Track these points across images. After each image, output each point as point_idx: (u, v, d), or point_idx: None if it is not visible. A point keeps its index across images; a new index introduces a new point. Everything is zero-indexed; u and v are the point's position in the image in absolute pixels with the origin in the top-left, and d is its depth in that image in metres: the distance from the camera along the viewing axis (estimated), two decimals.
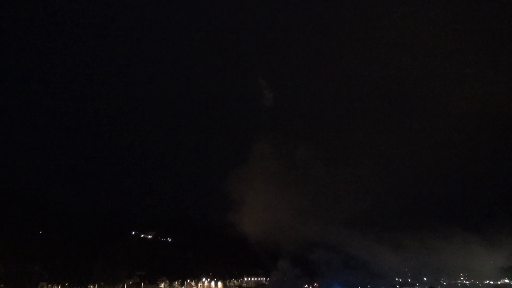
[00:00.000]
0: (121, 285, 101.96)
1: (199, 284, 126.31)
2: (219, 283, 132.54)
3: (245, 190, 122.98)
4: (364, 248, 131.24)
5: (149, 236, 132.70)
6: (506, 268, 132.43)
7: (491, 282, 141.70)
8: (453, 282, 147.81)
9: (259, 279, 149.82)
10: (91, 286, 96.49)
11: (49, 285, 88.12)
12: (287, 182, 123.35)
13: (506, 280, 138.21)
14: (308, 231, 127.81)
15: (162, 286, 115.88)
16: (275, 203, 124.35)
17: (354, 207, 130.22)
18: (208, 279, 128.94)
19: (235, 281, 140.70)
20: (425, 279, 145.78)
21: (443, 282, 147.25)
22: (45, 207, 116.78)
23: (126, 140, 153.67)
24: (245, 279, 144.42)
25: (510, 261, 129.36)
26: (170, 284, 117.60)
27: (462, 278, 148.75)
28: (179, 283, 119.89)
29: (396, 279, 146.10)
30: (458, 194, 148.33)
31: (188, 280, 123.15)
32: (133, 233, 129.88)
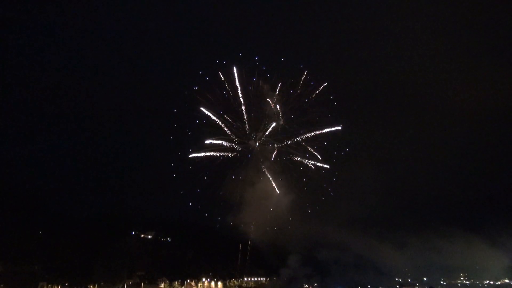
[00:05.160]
0: (121, 285, 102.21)
1: (199, 284, 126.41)
2: (219, 283, 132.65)
3: (246, 189, 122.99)
4: (368, 247, 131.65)
5: (149, 236, 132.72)
6: (507, 268, 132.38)
7: (491, 282, 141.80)
8: (453, 282, 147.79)
9: (259, 279, 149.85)
10: (91, 286, 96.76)
11: (49, 285, 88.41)
12: (288, 182, 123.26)
13: (506, 280, 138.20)
14: (310, 231, 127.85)
15: (162, 286, 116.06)
16: (276, 203, 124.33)
17: (356, 207, 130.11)
18: (208, 279, 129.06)
19: (235, 281, 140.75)
20: (425, 279, 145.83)
21: (443, 282, 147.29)
22: (45, 207, 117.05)
23: (126, 140, 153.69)
24: (245, 279, 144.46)
25: None
26: (170, 284, 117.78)
27: (462, 278, 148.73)
28: (179, 283, 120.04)
29: (396, 279, 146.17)
30: (460, 194, 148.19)
31: (188, 280, 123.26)
32: (133, 233, 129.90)
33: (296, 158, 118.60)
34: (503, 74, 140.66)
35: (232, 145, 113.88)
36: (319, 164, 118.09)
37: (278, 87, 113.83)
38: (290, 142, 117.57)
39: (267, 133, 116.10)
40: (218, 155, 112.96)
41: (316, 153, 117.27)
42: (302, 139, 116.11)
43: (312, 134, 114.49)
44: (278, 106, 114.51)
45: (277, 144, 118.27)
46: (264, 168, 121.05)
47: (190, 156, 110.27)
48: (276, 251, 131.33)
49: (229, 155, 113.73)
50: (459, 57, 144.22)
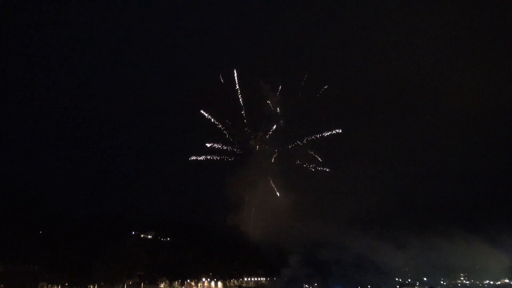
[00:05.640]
0: (121, 285, 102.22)
1: (199, 284, 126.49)
2: (219, 283, 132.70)
3: (246, 190, 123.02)
4: (368, 247, 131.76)
5: (149, 236, 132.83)
6: (507, 268, 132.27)
7: (491, 282, 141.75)
8: (453, 282, 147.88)
9: (259, 279, 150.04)
10: (91, 286, 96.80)
11: (49, 285, 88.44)
12: (288, 183, 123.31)
13: (506, 280, 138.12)
14: (311, 231, 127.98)
15: (162, 286, 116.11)
16: (276, 203, 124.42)
17: (356, 207, 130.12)
18: (208, 279, 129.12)
19: (235, 281, 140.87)
20: (425, 279, 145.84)
21: (443, 282, 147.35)
22: (45, 207, 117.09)
23: (126, 140, 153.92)
24: (245, 279, 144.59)
25: None
26: (170, 284, 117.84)
27: (462, 278, 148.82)
28: (179, 283, 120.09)
29: (396, 279, 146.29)
30: (460, 194, 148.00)
31: (188, 280, 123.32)
32: (133, 233, 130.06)
33: (296, 159, 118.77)
34: (504, 74, 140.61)
35: (232, 146, 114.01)
36: (319, 165, 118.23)
37: (279, 89, 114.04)
38: (290, 143, 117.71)
39: (267, 135, 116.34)
40: (218, 156, 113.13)
41: (316, 154, 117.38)
42: (302, 140, 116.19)
43: (313, 136, 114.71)
44: (278, 108, 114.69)
45: (278, 146, 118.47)
46: (264, 169, 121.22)
47: (191, 158, 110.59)
48: (277, 251, 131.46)
49: (229, 156, 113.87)
50: (460, 57, 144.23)
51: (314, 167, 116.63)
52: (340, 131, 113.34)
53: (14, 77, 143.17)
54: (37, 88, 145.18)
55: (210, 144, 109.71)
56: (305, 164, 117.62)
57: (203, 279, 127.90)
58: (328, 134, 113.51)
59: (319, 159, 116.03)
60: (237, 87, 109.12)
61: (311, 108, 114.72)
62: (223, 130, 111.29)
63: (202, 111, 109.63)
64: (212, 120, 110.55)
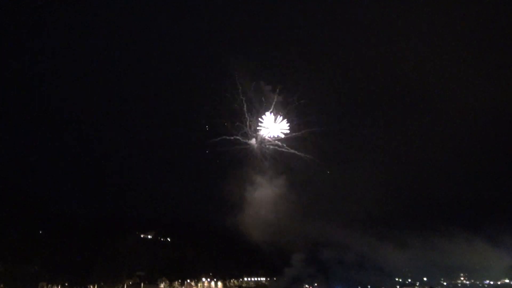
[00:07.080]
0: (121, 285, 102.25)
1: (199, 284, 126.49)
2: (219, 283, 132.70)
3: (246, 190, 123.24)
4: (369, 247, 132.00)
5: (149, 236, 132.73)
6: (507, 268, 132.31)
7: (491, 282, 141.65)
8: (453, 282, 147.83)
9: (259, 279, 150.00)
10: (91, 286, 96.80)
11: (49, 285, 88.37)
12: (288, 182, 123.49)
13: (507, 280, 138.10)
14: (312, 231, 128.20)
15: (162, 286, 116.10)
16: (276, 204, 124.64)
17: (357, 207, 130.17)
18: (208, 279, 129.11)
19: (235, 281, 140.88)
20: (425, 279, 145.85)
21: (443, 282, 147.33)
22: (45, 207, 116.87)
23: (126, 140, 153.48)
24: (245, 279, 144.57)
25: None
26: (170, 284, 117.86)
27: (462, 278, 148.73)
28: (179, 283, 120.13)
29: (396, 279, 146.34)
30: (460, 194, 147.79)
31: (188, 280, 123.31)
32: (133, 233, 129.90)
33: (296, 159, 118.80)
34: (505, 74, 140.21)
35: (232, 145, 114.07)
36: (319, 164, 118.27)
37: (279, 89, 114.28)
38: (290, 143, 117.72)
39: (267, 134, 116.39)
40: (218, 155, 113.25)
41: (316, 154, 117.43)
42: (302, 140, 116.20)
43: (313, 135, 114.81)
44: (279, 109, 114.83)
45: (278, 145, 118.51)
46: (264, 169, 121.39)
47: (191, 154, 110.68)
48: (277, 250, 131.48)
49: (229, 155, 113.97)
50: (460, 58, 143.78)
51: (315, 165, 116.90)
52: (341, 139, 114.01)
53: (13, 77, 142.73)
54: (36, 88, 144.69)
55: (210, 141, 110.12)
56: (306, 162, 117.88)
57: (203, 279, 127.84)
58: (328, 131, 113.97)
59: (320, 158, 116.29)
60: (238, 84, 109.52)
61: (311, 108, 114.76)
62: (223, 128, 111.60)
63: (202, 110, 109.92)
64: (212, 117, 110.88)
